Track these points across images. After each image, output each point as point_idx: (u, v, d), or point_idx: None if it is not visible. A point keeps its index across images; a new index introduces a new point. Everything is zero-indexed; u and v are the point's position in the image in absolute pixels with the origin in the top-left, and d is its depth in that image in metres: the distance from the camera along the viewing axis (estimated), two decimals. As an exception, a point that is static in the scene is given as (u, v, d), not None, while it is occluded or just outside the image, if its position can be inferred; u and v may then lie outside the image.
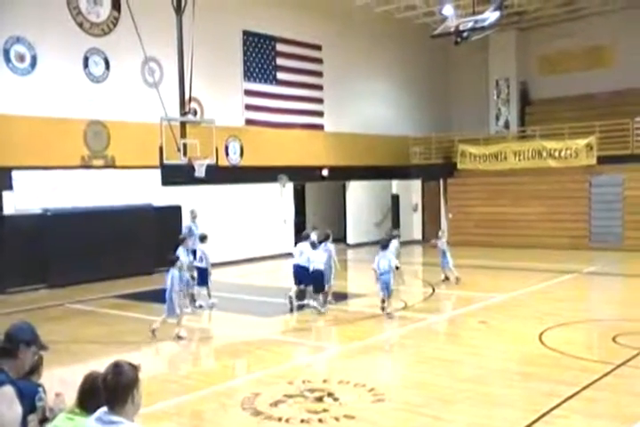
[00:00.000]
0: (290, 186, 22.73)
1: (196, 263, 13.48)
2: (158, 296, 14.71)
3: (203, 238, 13.84)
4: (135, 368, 3.42)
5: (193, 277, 13.35)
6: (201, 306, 13.30)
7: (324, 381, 8.10)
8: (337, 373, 8.55)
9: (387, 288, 11.85)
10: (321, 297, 12.71)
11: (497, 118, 29.09)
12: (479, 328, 11.18)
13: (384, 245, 12.23)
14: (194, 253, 13.82)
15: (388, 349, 10.22)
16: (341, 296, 14.37)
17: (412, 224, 26.68)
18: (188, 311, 12.15)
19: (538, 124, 25.81)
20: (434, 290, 14.91)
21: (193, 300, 13.35)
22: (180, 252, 12.82)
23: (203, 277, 13.40)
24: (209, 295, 13.50)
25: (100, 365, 3.52)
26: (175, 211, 18.79)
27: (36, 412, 4.11)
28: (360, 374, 8.53)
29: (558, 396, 7.38)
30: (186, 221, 18.52)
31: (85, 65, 17.18)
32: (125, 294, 15.22)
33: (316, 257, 12.60)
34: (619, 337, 10.10)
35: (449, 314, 13.08)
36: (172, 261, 11.24)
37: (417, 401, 7.42)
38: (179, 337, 10.75)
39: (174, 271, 11.08)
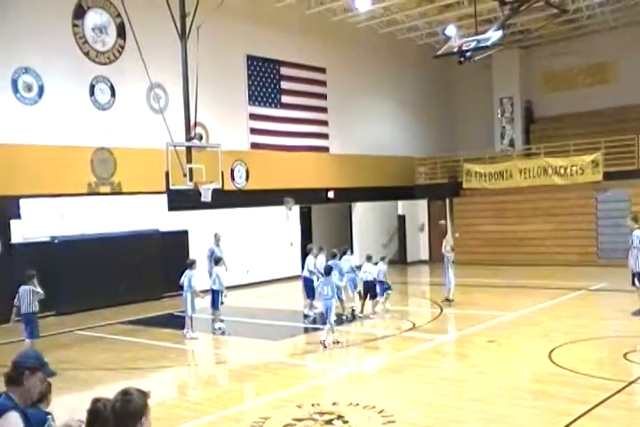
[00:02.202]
0: (296, 208, 22.78)
1: (211, 286, 13.62)
2: (167, 321, 14.86)
3: (217, 261, 13.96)
4: (145, 395, 3.40)
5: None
6: (220, 328, 13.35)
7: (334, 403, 8.05)
8: (346, 395, 8.50)
9: (328, 315, 11.79)
10: (371, 304, 14.32)
11: (502, 137, 29.16)
12: (488, 347, 11.12)
13: (327, 270, 12.15)
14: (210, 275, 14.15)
15: (396, 370, 10.16)
16: (349, 318, 14.34)
17: (419, 244, 26.64)
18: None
19: (543, 142, 25.88)
20: (442, 310, 14.85)
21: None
22: (187, 276, 12.95)
23: (216, 299, 13.44)
24: (219, 318, 13.55)
25: (110, 391, 3.52)
26: (182, 236, 18.86)
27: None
28: (369, 395, 8.50)
29: (570, 414, 7.31)
30: (192, 245, 18.65)
31: (91, 93, 17.38)
32: (134, 319, 15.24)
33: (367, 268, 14.27)
34: (629, 354, 10.04)
35: (457, 334, 13.00)
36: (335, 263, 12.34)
37: (427, 422, 7.37)
38: (335, 342, 11.52)
39: (331, 280, 11.76)
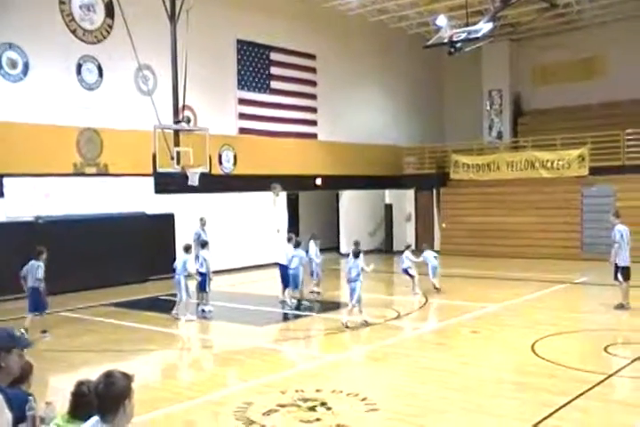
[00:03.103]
0: (283, 195, 22.73)
1: (198, 269, 13.67)
2: (152, 304, 14.83)
3: (203, 245, 14.00)
4: (128, 378, 3.37)
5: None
6: (203, 311, 13.43)
7: (317, 390, 8.07)
8: (330, 382, 8.53)
9: (353, 296, 12.06)
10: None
11: (490, 129, 29.23)
12: (472, 338, 11.19)
13: (356, 253, 12.28)
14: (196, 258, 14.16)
15: (380, 358, 10.20)
16: (334, 305, 14.39)
17: (406, 234, 26.65)
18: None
19: (530, 135, 25.93)
20: (427, 300, 14.91)
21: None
22: (182, 259, 13.03)
23: (203, 282, 13.50)
24: (207, 302, 13.58)
25: (95, 373, 3.48)
26: (168, 219, 18.77)
27: (26, 421, 4.08)
28: (353, 383, 8.53)
29: (550, 406, 7.38)
30: (179, 229, 18.58)
31: (78, 72, 17.18)
32: (119, 302, 15.17)
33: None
34: (610, 347, 10.15)
35: (442, 324, 13.04)
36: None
37: (410, 411, 7.40)
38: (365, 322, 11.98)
39: (358, 262, 11.96)
